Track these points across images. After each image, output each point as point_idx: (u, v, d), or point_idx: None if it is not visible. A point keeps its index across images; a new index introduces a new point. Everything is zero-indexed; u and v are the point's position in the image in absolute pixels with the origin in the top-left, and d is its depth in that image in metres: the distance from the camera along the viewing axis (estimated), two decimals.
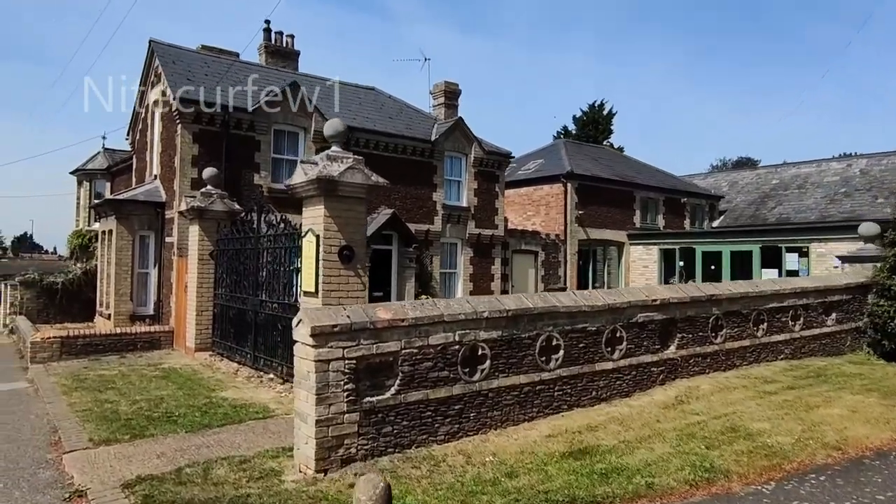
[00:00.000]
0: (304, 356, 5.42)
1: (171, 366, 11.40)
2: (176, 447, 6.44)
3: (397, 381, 5.75)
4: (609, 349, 7.41)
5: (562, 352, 6.91)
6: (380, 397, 5.66)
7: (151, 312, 15.07)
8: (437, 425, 6.00)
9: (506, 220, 20.78)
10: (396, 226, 16.25)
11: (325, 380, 5.32)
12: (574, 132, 42.11)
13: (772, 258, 20.74)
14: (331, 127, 8.51)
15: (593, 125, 42.32)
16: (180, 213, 13.17)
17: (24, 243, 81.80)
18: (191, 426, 7.23)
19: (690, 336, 8.31)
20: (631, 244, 24.34)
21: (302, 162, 8.33)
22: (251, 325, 10.70)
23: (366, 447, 5.57)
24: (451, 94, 20.29)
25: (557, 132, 43.50)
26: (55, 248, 72.56)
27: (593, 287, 23.14)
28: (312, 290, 8.19)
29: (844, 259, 11.76)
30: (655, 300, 7.82)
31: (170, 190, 14.63)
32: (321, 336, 5.30)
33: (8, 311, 18.64)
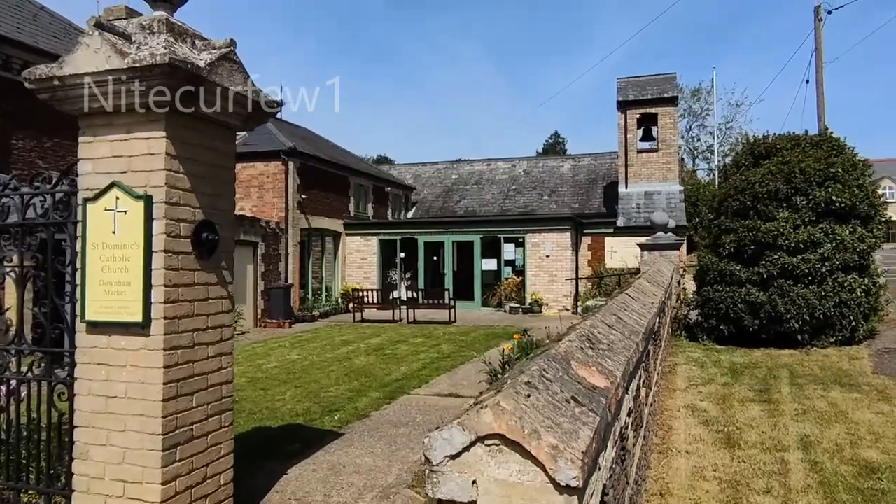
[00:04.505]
0: None
1: None
2: None
3: None
4: None
5: None
6: None
7: None
8: None
9: None
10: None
11: None
12: None
13: (490, 248, 21.22)
14: None
15: None
16: None
17: None
18: None
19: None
20: (347, 234, 22.04)
21: (99, 26, 3.62)
22: None
23: None
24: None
25: None
26: None
27: (313, 284, 20.09)
28: (137, 318, 3.63)
29: (644, 247, 11.91)
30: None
31: None
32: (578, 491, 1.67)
33: None
